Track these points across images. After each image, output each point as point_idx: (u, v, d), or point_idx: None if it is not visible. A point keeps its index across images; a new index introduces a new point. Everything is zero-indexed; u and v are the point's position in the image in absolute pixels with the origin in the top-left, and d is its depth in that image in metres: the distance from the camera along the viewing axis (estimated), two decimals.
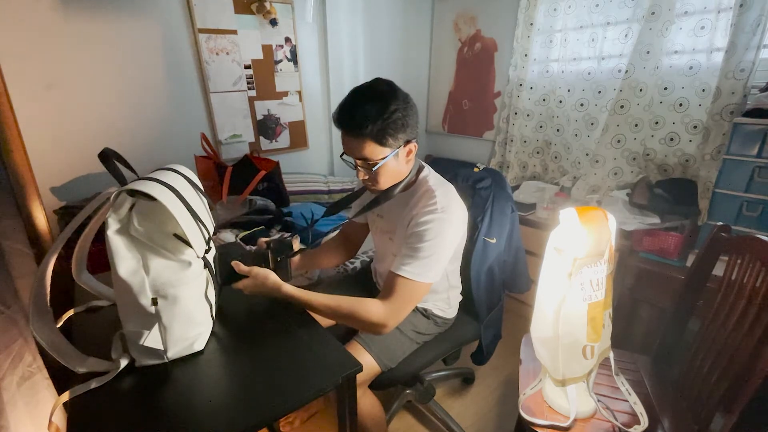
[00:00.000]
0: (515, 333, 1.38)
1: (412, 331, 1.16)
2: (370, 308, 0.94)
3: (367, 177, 0.98)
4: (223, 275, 0.94)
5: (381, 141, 0.91)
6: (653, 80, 1.74)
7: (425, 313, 1.19)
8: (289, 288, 0.94)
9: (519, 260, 1.33)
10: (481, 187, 1.24)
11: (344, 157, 0.98)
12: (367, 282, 1.35)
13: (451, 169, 1.23)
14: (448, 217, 0.96)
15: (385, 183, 0.99)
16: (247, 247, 1.07)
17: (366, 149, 0.92)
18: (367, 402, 1.11)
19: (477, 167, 1.31)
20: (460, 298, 1.26)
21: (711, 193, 1.52)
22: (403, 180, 1.01)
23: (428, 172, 1.08)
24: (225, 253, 0.96)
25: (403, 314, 0.97)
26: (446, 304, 1.21)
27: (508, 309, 1.44)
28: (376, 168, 0.94)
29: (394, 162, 0.96)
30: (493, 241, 1.21)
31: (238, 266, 0.94)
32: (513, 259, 1.31)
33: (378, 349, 1.08)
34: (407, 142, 0.96)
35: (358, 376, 0.83)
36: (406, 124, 0.93)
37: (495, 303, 1.29)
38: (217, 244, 0.93)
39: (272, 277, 0.94)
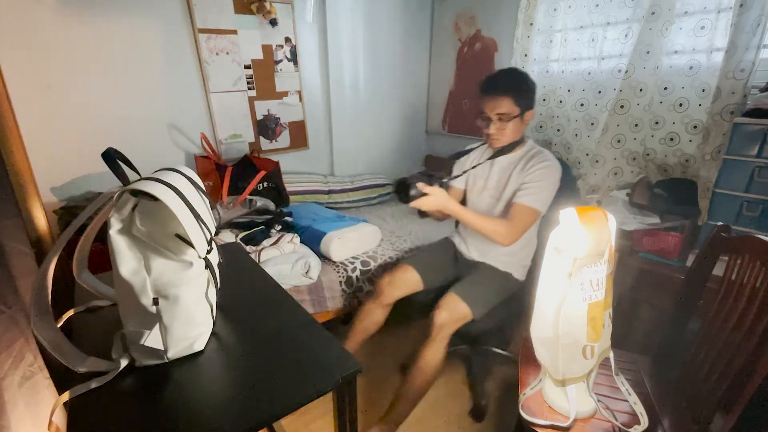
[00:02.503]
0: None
1: (498, 283, 1.45)
2: (500, 225, 1.33)
3: (496, 131, 1.34)
4: (408, 196, 1.25)
5: (516, 100, 1.29)
6: (653, 80, 1.74)
7: (506, 276, 1.48)
8: (454, 203, 1.32)
9: None
10: None
11: (481, 117, 1.37)
12: (446, 252, 1.65)
13: None
14: (555, 165, 1.35)
15: (508, 137, 1.36)
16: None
17: (505, 105, 1.30)
18: (441, 349, 1.34)
19: None
20: (530, 264, 1.52)
21: (711, 193, 1.52)
22: (516, 141, 1.39)
23: (532, 142, 1.45)
24: (409, 178, 1.26)
25: (518, 233, 1.33)
26: (527, 259, 1.50)
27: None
28: (509, 120, 1.31)
29: (518, 121, 1.33)
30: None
31: (425, 187, 1.26)
32: None
33: (472, 299, 1.35)
34: (529, 109, 1.33)
35: (449, 320, 1.30)
36: (532, 97, 1.34)
37: None
38: (218, 244, 0.93)
39: (446, 194, 1.30)
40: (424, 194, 1.26)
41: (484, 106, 1.34)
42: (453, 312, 1.33)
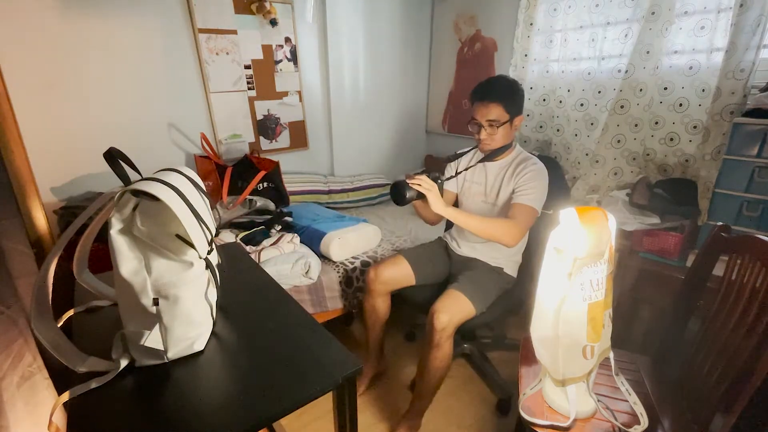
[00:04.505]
0: (515, 333, 1.38)
1: (493, 278, 1.47)
2: (505, 224, 1.32)
3: (487, 136, 1.36)
4: (404, 197, 1.25)
5: (506, 107, 1.33)
6: (653, 80, 1.74)
7: (498, 271, 1.50)
8: (446, 207, 1.28)
9: None
10: None
11: (471, 123, 1.39)
12: (440, 249, 1.66)
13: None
14: (543, 169, 1.39)
15: (498, 141, 1.38)
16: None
17: (495, 112, 1.33)
18: (447, 351, 1.33)
19: None
20: (521, 260, 1.56)
21: (711, 193, 1.52)
22: (506, 146, 1.41)
23: (520, 147, 1.48)
24: (402, 182, 1.26)
25: (522, 232, 1.34)
26: (518, 255, 1.54)
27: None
28: (499, 126, 1.34)
29: (508, 127, 1.36)
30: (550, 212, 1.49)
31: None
32: None
33: (472, 293, 1.35)
34: (518, 114, 1.37)
35: (450, 321, 1.27)
36: (521, 104, 1.38)
37: None
38: (218, 244, 0.93)
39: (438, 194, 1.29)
40: (422, 195, 1.26)
41: (475, 113, 1.37)
42: (454, 311, 1.30)
